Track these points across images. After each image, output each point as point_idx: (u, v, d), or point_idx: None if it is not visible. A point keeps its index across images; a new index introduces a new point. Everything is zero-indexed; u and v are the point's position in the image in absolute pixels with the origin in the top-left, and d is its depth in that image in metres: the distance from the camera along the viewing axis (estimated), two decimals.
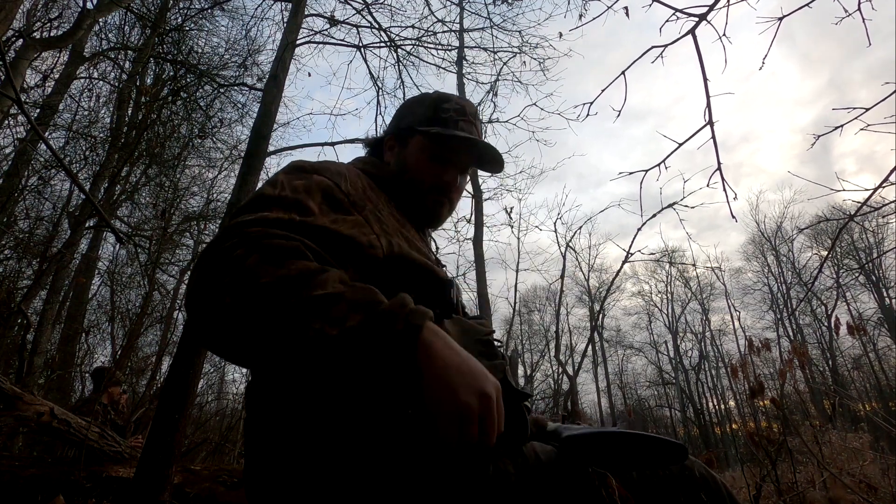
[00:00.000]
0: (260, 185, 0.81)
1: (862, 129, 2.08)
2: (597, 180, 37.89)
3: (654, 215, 3.27)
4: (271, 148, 4.38)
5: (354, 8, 5.45)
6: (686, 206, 3.07)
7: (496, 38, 9.07)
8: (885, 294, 21.44)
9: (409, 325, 0.53)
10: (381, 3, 5.62)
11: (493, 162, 1.02)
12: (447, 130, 0.97)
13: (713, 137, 2.18)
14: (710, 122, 2.16)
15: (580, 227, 14.48)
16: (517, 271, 14.22)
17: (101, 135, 7.79)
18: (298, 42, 4.58)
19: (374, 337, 0.52)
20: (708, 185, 2.22)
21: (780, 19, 2.11)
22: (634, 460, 0.76)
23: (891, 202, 2.42)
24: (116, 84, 8.32)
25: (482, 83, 6.87)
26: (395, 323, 0.53)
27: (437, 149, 0.98)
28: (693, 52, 2.12)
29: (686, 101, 36.89)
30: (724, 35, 2.11)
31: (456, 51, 6.68)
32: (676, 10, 2.13)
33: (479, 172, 7.54)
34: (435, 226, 1.05)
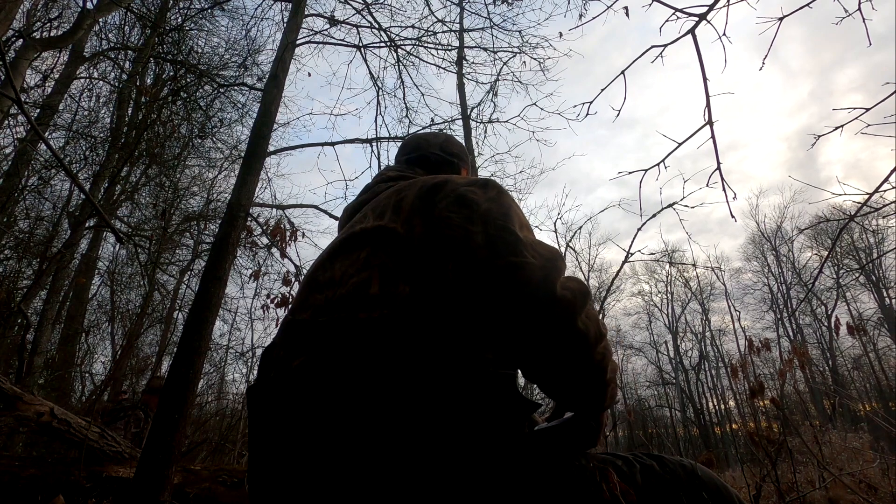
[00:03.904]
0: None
1: (861, 131, 2.08)
2: (587, 186, 38.41)
3: (655, 215, 3.26)
4: (271, 148, 4.38)
5: (354, 8, 5.45)
6: (686, 206, 3.06)
7: (496, 38, 9.05)
8: (885, 294, 21.43)
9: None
10: (381, 3, 5.63)
11: None
12: None
13: (713, 137, 2.18)
14: (710, 122, 2.16)
15: (580, 227, 14.43)
16: None
17: (101, 135, 7.79)
18: (298, 42, 4.58)
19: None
20: (707, 185, 2.21)
21: (780, 20, 2.11)
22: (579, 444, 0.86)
23: (891, 203, 2.42)
24: (116, 84, 8.32)
25: (482, 83, 6.86)
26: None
27: None
28: (682, 58, 2.13)
29: (672, 111, 37.67)
30: (724, 35, 2.12)
31: (456, 51, 6.67)
32: (676, 9, 2.13)
33: (479, 173, 7.56)
34: None
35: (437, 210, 0.84)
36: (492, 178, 0.92)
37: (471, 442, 0.70)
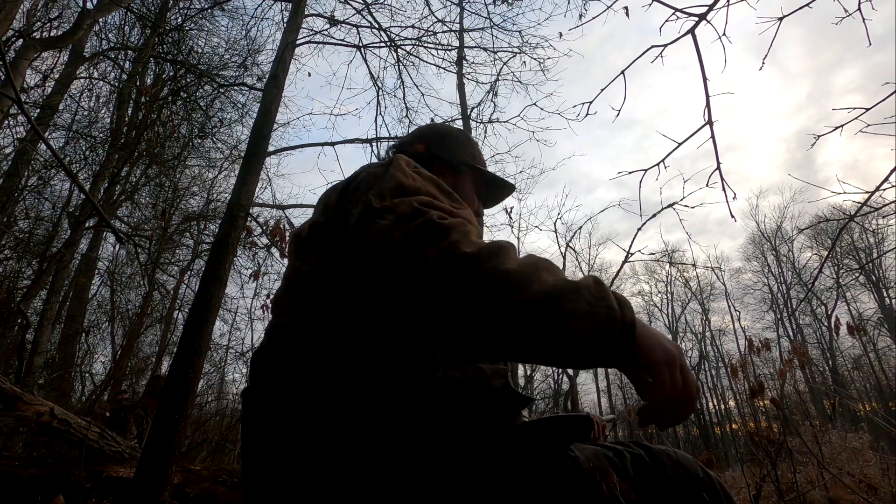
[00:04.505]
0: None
1: (861, 131, 2.08)
2: (587, 187, 38.58)
3: (655, 215, 3.26)
4: (271, 148, 4.38)
5: (354, 8, 5.45)
6: (686, 206, 3.06)
7: (496, 38, 9.06)
8: (885, 294, 21.44)
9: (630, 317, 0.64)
10: (381, 3, 5.62)
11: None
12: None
13: (713, 137, 2.18)
14: (710, 122, 2.16)
15: (580, 228, 14.37)
16: None
17: (101, 135, 7.79)
18: (298, 42, 4.58)
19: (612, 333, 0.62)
20: (707, 185, 2.22)
21: (780, 20, 2.11)
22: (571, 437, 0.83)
23: (890, 202, 2.42)
24: (116, 84, 8.32)
25: (482, 83, 6.85)
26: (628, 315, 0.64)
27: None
28: (681, 59, 2.13)
29: (672, 112, 37.94)
30: (723, 35, 2.12)
31: (456, 51, 6.67)
32: (676, 9, 2.13)
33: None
34: None
35: (346, 199, 0.82)
36: (404, 155, 0.85)
37: (454, 444, 0.69)
